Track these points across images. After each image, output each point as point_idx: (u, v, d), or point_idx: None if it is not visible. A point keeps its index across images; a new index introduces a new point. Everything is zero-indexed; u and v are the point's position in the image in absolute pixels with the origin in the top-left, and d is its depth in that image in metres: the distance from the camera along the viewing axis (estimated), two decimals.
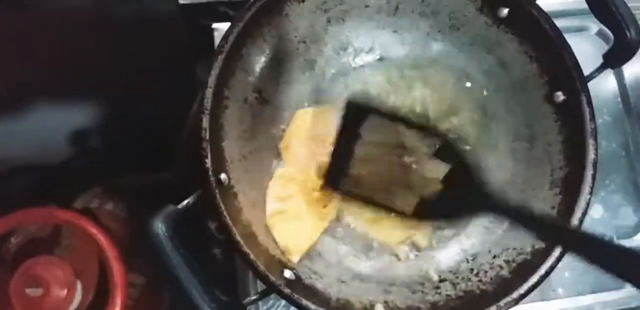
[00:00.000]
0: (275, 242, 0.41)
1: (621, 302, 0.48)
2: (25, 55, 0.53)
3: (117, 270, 0.48)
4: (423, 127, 0.41)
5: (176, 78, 0.57)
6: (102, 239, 0.49)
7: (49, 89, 0.54)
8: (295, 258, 0.41)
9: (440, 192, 0.40)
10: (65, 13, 0.52)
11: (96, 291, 0.49)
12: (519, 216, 0.37)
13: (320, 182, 0.44)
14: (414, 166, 0.41)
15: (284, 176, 0.44)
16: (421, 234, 0.44)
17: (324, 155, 0.44)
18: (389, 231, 0.44)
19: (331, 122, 0.45)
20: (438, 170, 0.40)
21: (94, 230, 0.49)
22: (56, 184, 0.58)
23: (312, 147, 0.45)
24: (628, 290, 0.49)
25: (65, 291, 0.46)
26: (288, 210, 0.43)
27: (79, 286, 0.47)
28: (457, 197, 0.39)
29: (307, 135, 0.45)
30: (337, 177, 0.43)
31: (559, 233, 0.35)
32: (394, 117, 0.41)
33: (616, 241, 0.50)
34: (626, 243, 0.50)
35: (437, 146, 0.40)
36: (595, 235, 0.32)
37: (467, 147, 0.46)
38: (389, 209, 0.43)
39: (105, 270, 0.48)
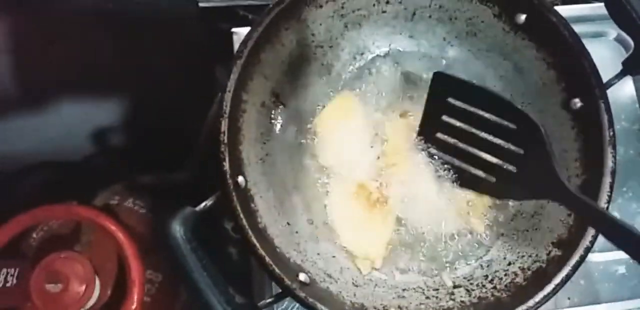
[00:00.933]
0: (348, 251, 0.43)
1: None
2: (46, 54, 0.53)
3: (135, 267, 0.49)
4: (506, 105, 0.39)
5: (195, 79, 0.58)
6: (121, 236, 0.50)
7: (69, 88, 0.55)
8: (378, 263, 0.43)
9: (513, 173, 0.40)
10: (87, 13, 0.53)
11: (114, 287, 0.49)
12: (588, 217, 0.36)
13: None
14: (492, 142, 0.40)
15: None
16: (478, 220, 0.45)
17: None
18: (443, 222, 0.45)
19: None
20: (513, 152, 0.39)
21: (113, 227, 0.50)
22: (77, 181, 0.59)
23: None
24: None
25: (84, 287, 0.47)
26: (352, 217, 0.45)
27: (97, 282, 0.48)
28: (529, 181, 0.39)
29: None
30: (427, 134, 0.44)
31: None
32: (478, 90, 0.40)
33: None
34: None
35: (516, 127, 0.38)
36: None
37: None
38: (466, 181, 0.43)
39: (123, 267, 0.49)
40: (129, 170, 0.60)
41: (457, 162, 0.43)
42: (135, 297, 0.48)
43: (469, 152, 0.42)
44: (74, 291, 0.46)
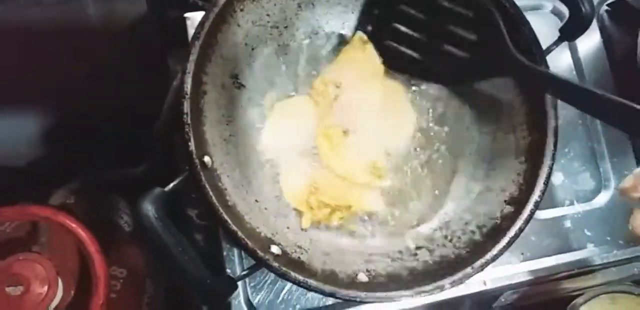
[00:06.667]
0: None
1: (584, 261, 0.51)
2: None
3: (99, 263, 0.48)
4: None
5: (148, 71, 0.57)
6: (82, 233, 0.49)
7: (12, 90, 0.53)
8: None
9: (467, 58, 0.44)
10: (27, 11, 0.51)
11: (78, 286, 0.48)
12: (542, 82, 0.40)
13: None
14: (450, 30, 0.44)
15: None
16: None
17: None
18: None
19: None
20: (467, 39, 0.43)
21: (73, 224, 0.49)
22: (28, 184, 0.57)
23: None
24: (590, 250, 0.52)
25: (46, 288, 0.46)
26: None
27: (60, 282, 0.47)
28: (483, 62, 0.43)
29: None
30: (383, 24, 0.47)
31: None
32: None
33: (576, 205, 0.53)
34: (586, 207, 0.54)
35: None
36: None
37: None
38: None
39: (86, 265, 0.48)
40: (84, 168, 0.59)
41: (415, 54, 0.46)
42: (101, 293, 0.47)
43: (423, 42, 0.45)
44: (35, 293, 0.45)
